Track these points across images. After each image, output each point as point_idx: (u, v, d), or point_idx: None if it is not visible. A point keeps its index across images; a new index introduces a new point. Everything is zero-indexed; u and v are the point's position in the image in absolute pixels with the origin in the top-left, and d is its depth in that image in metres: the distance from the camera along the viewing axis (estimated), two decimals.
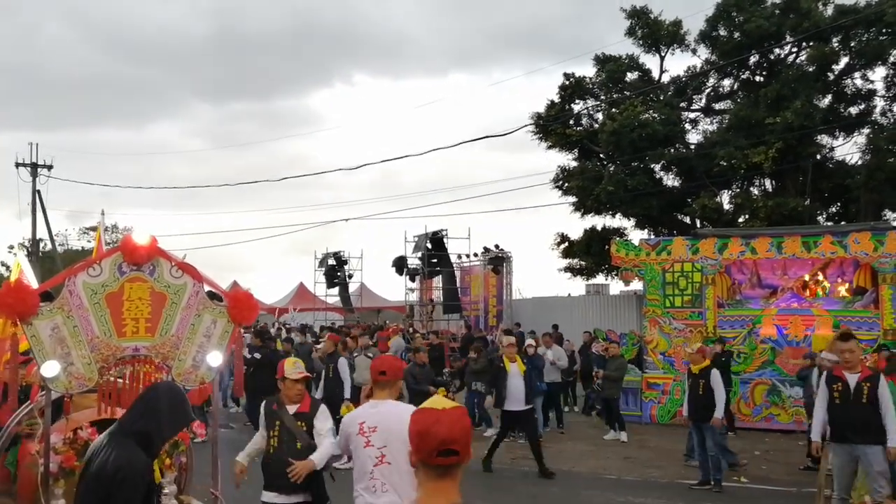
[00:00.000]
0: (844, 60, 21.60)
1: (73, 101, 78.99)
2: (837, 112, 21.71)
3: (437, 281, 26.16)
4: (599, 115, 24.13)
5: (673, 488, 9.27)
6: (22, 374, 5.15)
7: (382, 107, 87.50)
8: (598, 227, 24.44)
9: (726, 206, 21.87)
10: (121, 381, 4.36)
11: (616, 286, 27.87)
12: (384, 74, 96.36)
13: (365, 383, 11.53)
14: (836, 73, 21.68)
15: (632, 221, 24.28)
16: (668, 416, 13.57)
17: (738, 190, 22.35)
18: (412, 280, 26.64)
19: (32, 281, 5.66)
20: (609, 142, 21.56)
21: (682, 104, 23.95)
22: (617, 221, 24.41)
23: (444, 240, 24.75)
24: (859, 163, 20.96)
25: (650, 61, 26.92)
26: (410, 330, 21.47)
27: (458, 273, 25.97)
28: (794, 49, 22.06)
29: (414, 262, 25.53)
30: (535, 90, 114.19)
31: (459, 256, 25.59)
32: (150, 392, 3.52)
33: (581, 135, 23.78)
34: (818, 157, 21.40)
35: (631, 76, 24.31)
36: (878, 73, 21.64)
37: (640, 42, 23.23)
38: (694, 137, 23.83)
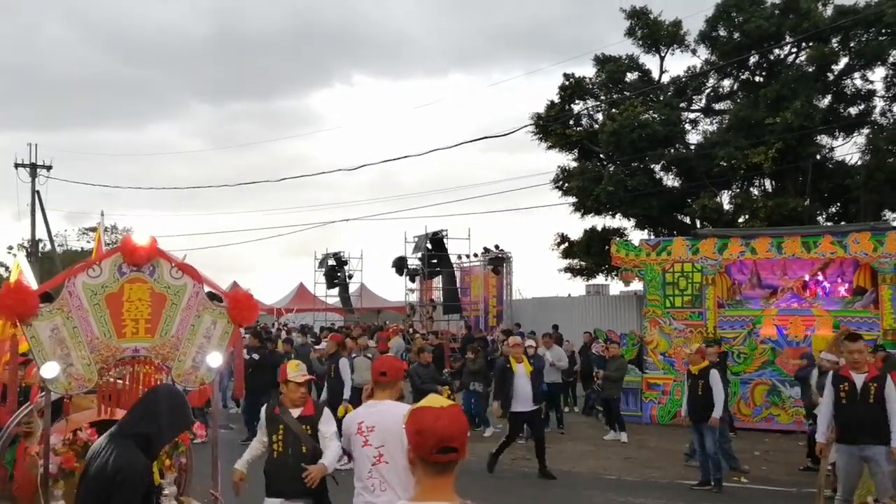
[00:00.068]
0: (844, 61, 21.62)
1: (72, 101, 79.13)
2: (837, 112, 21.72)
3: (438, 281, 26.18)
4: (599, 116, 24.15)
5: (673, 489, 9.27)
6: (21, 376, 5.15)
7: (382, 107, 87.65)
8: (598, 228, 24.45)
9: (726, 207, 21.88)
10: (120, 382, 4.35)
11: (616, 286, 27.93)
12: (384, 74, 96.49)
13: (364, 384, 11.52)
14: (836, 73, 21.70)
15: (632, 222, 24.32)
16: (668, 416, 13.57)
17: (738, 190, 22.36)
18: (412, 280, 26.67)
19: (32, 282, 5.65)
20: (609, 142, 21.57)
21: (682, 104, 23.97)
22: (617, 222, 24.46)
23: (444, 240, 24.78)
24: (859, 163, 20.97)
25: (650, 62, 26.97)
26: (410, 330, 21.48)
27: (458, 273, 25.99)
28: (794, 49, 22.08)
29: (414, 262, 25.56)
30: (535, 90, 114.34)
31: (459, 257, 25.63)
32: (151, 395, 3.53)
33: (581, 135, 23.78)
34: (818, 157, 21.41)
35: (631, 76, 24.33)
36: (878, 74, 21.70)
37: (640, 42, 23.25)
38: (694, 138, 23.90)
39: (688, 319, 14.17)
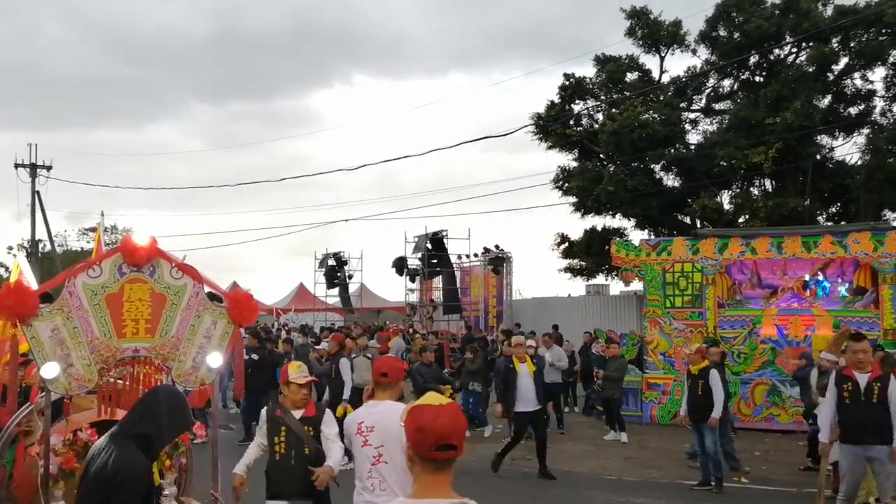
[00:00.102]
0: (844, 61, 21.63)
1: (72, 102, 79.12)
2: (837, 112, 21.73)
3: (438, 281, 26.19)
4: (599, 116, 24.15)
5: (673, 489, 9.27)
6: (21, 376, 5.15)
7: (382, 107, 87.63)
8: (599, 228, 24.46)
9: (726, 207, 21.89)
10: (121, 382, 4.35)
11: (616, 286, 27.92)
12: (384, 75, 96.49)
13: (364, 384, 11.53)
14: (836, 73, 21.70)
15: (632, 222, 24.32)
16: (668, 416, 13.56)
17: (738, 190, 22.36)
18: (412, 281, 26.67)
19: (32, 282, 5.66)
20: (609, 142, 21.57)
21: (682, 104, 23.97)
22: (617, 222, 24.47)
23: (444, 240, 24.78)
24: (859, 163, 20.98)
25: (650, 62, 26.94)
26: (410, 331, 21.48)
27: (458, 273, 25.99)
28: (794, 49, 22.08)
29: (414, 262, 25.57)
30: (535, 90, 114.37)
31: (459, 257, 25.63)
32: (151, 395, 3.54)
33: (581, 135, 23.79)
34: (818, 157, 21.42)
35: (631, 76, 24.34)
36: (878, 74, 21.72)
37: (640, 42, 23.25)
38: (694, 138, 23.91)
39: (688, 319, 14.17)
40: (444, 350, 19.02)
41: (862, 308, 13.08)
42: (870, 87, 21.96)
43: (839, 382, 6.79)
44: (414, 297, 27.19)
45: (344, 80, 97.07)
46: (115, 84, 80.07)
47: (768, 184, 22.44)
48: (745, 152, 19.89)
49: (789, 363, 12.50)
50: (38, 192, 31.86)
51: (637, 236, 23.15)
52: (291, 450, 4.69)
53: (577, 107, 24.83)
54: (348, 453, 4.62)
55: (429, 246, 24.58)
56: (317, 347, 15.07)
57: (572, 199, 23.52)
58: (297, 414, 4.83)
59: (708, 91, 24.46)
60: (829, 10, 21.33)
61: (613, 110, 22.53)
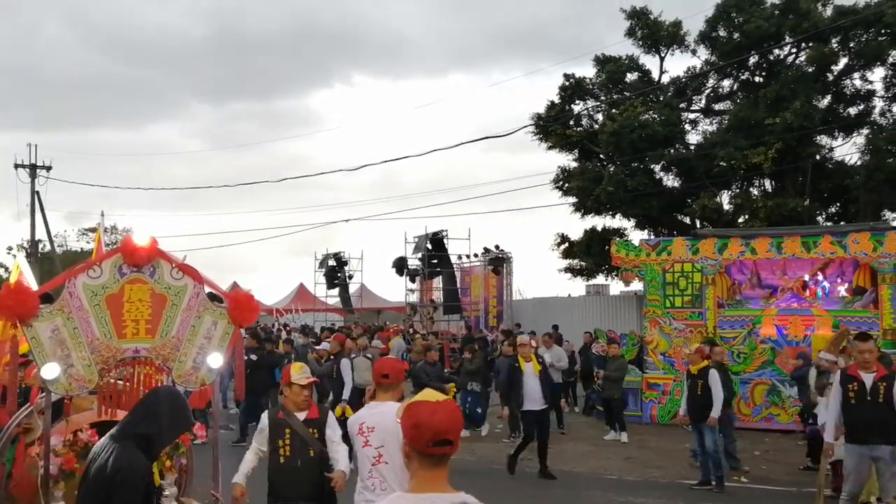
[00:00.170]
0: (844, 61, 21.63)
1: (72, 102, 79.12)
2: (837, 113, 21.73)
3: (438, 282, 26.18)
4: (599, 116, 24.16)
5: (673, 488, 9.28)
6: (21, 377, 5.15)
7: (382, 107, 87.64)
8: (599, 228, 24.46)
9: (726, 207, 21.90)
10: (121, 383, 4.35)
11: (616, 286, 27.93)
12: (384, 74, 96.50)
13: (364, 384, 11.54)
14: (836, 73, 21.70)
15: (632, 222, 24.33)
16: (668, 416, 13.57)
17: (737, 190, 22.37)
18: (412, 281, 26.66)
19: (32, 283, 5.66)
20: (609, 142, 21.58)
21: (682, 105, 23.97)
22: (617, 222, 24.48)
23: (445, 240, 24.77)
24: (858, 163, 21.00)
25: (650, 62, 26.96)
26: (411, 331, 21.48)
27: (458, 274, 25.98)
28: (794, 50, 22.09)
29: (414, 262, 25.55)
30: (535, 90, 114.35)
31: (460, 257, 25.62)
32: (151, 396, 3.55)
33: (581, 135, 23.80)
34: (817, 157, 21.43)
35: (631, 77, 24.34)
36: (878, 74, 21.71)
37: (640, 43, 23.26)
38: (694, 138, 23.91)
39: (688, 319, 14.18)
40: (445, 350, 19.02)
41: (861, 308, 13.08)
42: (869, 87, 21.99)
43: (844, 382, 6.78)
44: (414, 298, 27.19)
45: (344, 80, 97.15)
46: (115, 84, 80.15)
47: (768, 184, 22.45)
48: (744, 152, 19.89)
49: (788, 363, 12.51)
50: (37, 193, 31.84)
51: (637, 236, 23.19)
52: (296, 452, 4.64)
53: (577, 107, 24.85)
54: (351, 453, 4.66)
55: (429, 246, 24.58)
56: (317, 348, 15.07)
57: (572, 200, 23.54)
58: (301, 416, 4.77)
59: (708, 91, 24.47)
60: (829, 11, 21.34)
61: (613, 111, 22.53)
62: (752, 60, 22.40)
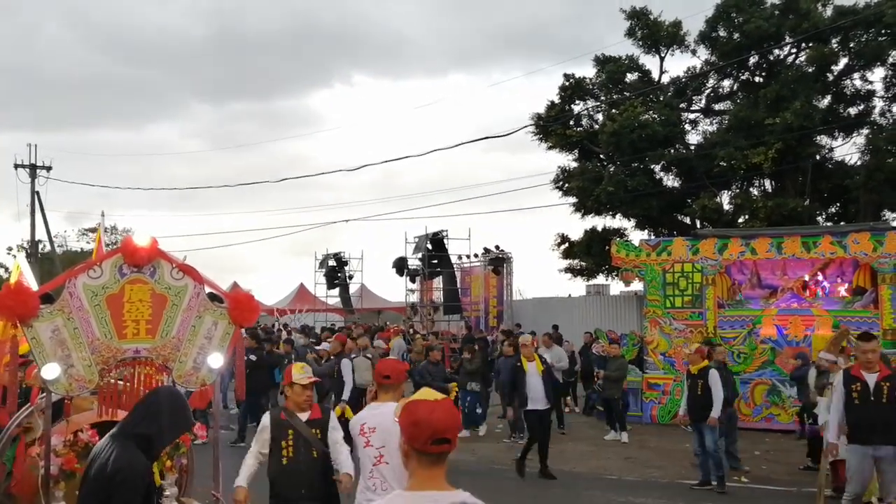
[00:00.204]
0: (844, 61, 21.64)
1: (72, 102, 79.14)
2: (837, 113, 21.74)
3: (438, 282, 26.17)
4: (599, 116, 24.17)
5: (674, 488, 9.28)
6: (21, 377, 5.15)
7: (382, 107, 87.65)
8: (599, 228, 24.48)
9: (726, 207, 21.91)
10: (121, 383, 4.35)
11: (616, 287, 27.93)
12: (384, 74, 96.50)
13: (364, 384, 11.55)
14: (836, 73, 21.71)
15: (632, 222, 24.34)
16: (668, 416, 13.57)
17: (737, 190, 22.38)
18: (412, 281, 26.66)
19: (32, 283, 5.66)
20: (609, 142, 21.58)
21: (682, 105, 23.98)
22: (617, 222, 24.49)
23: (445, 241, 24.77)
24: (858, 163, 21.00)
25: (650, 62, 27.00)
26: (411, 331, 21.48)
27: (458, 274, 25.98)
28: (794, 50, 22.10)
29: (414, 263, 25.55)
30: (535, 90, 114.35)
31: (460, 257, 25.62)
32: (152, 396, 3.55)
33: (581, 135, 23.80)
34: (817, 157, 21.44)
35: (631, 77, 24.34)
36: (878, 74, 21.73)
37: (640, 43, 23.26)
38: (694, 138, 23.92)
39: (688, 319, 14.19)
40: (445, 350, 19.00)
41: (861, 308, 13.09)
42: (869, 87, 22.00)
43: (847, 382, 6.77)
44: (414, 298, 27.20)
45: (344, 80, 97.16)
46: (115, 84, 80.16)
47: (768, 184, 22.46)
48: (744, 153, 19.90)
49: (788, 363, 12.52)
50: (37, 193, 31.82)
51: (637, 236, 23.20)
52: (300, 453, 4.62)
53: (578, 107, 24.86)
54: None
55: (429, 246, 24.57)
56: (317, 348, 15.08)
57: (572, 200, 23.55)
58: (303, 416, 4.75)
59: (708, 91, 24.48)
60: (829, 11, 21.35)
61: (613, 111, 22.54)
62: (752, 60, 22.41)
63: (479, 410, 13.26)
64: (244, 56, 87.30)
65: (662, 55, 23.60)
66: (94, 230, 36.89)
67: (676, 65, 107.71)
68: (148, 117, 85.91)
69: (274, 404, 13.05)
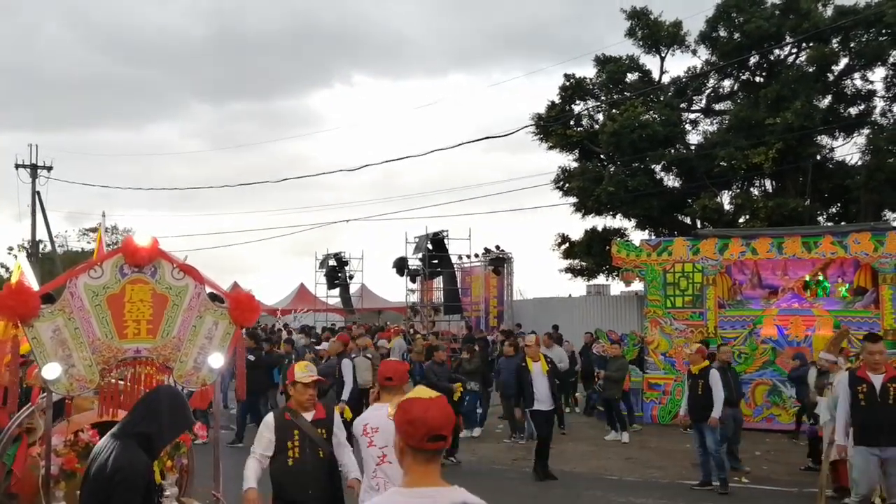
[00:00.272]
0: (844, 61, 21.64)
1: (72, 102, 79.13)
2: (837, 113, 21.73)
3: (438, 282, 26.17)
4: (600, 116, 24.16)
5: (674, 488, 9.28)
6: (22, 377, 5.15)
7: (382, 107, 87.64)
8: (599, 228, 24.48)
9: (727, 207, 21.90)
10: (122, 383, 4.36)
11: (617, 287, 27.96)
12: (384, 74, 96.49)
13: (364, 384, 11.55)
14: (836, 73, 21.71)
15: (632, 222, 24.33)
16: (669, 416, 13.57)
17: (738, 190, 22.37)
18: (413, 281, 26.66)
19: (33, 283, 5.66)
20: (609, 142, 21.58)
21: (683, 105, 23.97)
22: (618, 222, 24.49)
23: (445, 241, 24.77)
24: (859, 163, 21.00)
25: (650, 62, 26.97)
26: (411, 331, 21.48)
27: (458, 274, 25.98)
28: (794, 50, 22.09)
29: (415, 263, 25.55)
30: (536, 91, 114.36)
31: (460, 257, 25.62)
32: (152, 395, 3.56)
33: (581, 135, 23.80)
34: (818, 157, 21.44)
35: (631, 77, 24.34)
36: (878, 74, 21.73)
37: (641, 43, 23.26)
38: (694, 138, 23.92)
39: (689, 319, 14.19)
40: (446, 350, 18.98)
41: (862, 308, 13.09)
42: (870, 87, 22.01)
43: (853, 384, 6.76)
44: (414, 298, 27.20)
45: (344, 80, 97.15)
46: (115, 84, 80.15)
47: (768, 184, 22.46)
48: (745, 153, 19.90)
49: (790, 363, 12.52)
50: (38, 193, 31.85)
51: (637, 237, 23.19)
52: (306, 454, 4.58)
53: (578, 107, 24.85)
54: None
55: (429, 246, 24.57)
56: (317, 348, 15.06)
57: (573, 200, 23.55)
58: (308, 416, 4.71)
59: (708, 91, 24.47)
60: (829, 11, 21.35)
61: (614, 111, 22.54)
62: (753, 60, 22.40)
63: (479, 410, 13.27)
64: (244, 56, 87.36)
65: (663, 55, 23.60)
66: (94, 230, 36.88)
67: (677, 65, 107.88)
68: (148, 117, 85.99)
69: (273, 405, 13.05)
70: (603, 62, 24.03)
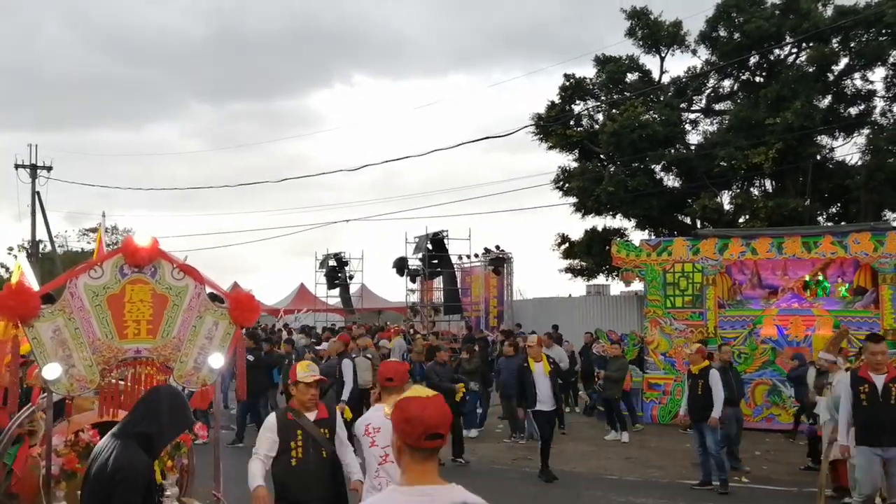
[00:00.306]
0: (844, 61, 21.63)
1: (72, 102, 79.13)
2: (837, 112, 21.73)
3: (438, 282, 26.19)
4: (600, 116, 24.15)
5: (674, 488, 9.28)
6: (22, 377, 5.15)
7: (382, 107, 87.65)
8: (599, 228, 24.47)
9: (727, 207, 21.90)
10: (122, 383, 4.36)
11: (617, 287, 27.94)
12: (384, 75, 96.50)
13: (364, 384, 11.55)
14: (836, 73, 21.70)
15: (632, 222, 24.33)
16: (669, 416, 13.58)
17: (738, 190, 22.37)
18: (413, 281, 26.67)
19: (33, 283, 5.66)
20: (609, 142, 21.58)
21: (683, 105, 23.97)
22: (617, 222, 24.48)
23: (445, 241, 24.79)
24: (859, 163, 20.99)
25: (650, 62, 27.01)
26: (411, 331, 21.49)
27: (458, 274, 25.99)
28: (794, 50, 22.09)
29: (415, 263, 25.56)
30: (536, 91, 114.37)
31: (460, 257, 25.63)
32: (152, 394, 3.56)
33: (581, 135, 23.80)
34: (818, 157, 21.43)
35: (631, 77, 24.34)
36: (878, 74, 21.72)
37: (641, 43, 23.26)
38: (694, 138, 23.91)
39: (688, 319, 14.19)
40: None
41: (862, 308, 13.09)
42: (870, 87, 21.99)
43: (855, 384, 6.77)
44: (414, 298, 27.20)
45: (344, 80, 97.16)
46: (115, 84, 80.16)
47: (768, 184, 22.45)
48: (745, 153, 19.90)
49: (788, 363, 12.53)
50: (38, 193, 31.85)
51: (637, 237, 23.19)
52: (309, 454, 4.57)
53: (578, 107, 24.85)
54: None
55: (429, 246, 24.59)
56: (317, 348, 15.06)
57: (573, 200, 23.54)
58: (311, 416, 4.70)
59: (708, 91, 24.47)
60: (829, 11, 21.34)
61: (614, 111, 22.53)
62: (753, 60, 22.40)
63: (479, 410, 13.27)
64: (244, 56, 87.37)
65: (663, 55, 23.60)
66: (94, 230, 36.89)
67: (677, 65, 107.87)
68: (148, 117, 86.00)
69: (273, 405, 13.05)
70: (603, 62, 24.03)
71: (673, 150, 22.30)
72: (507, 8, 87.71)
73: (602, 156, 23.72)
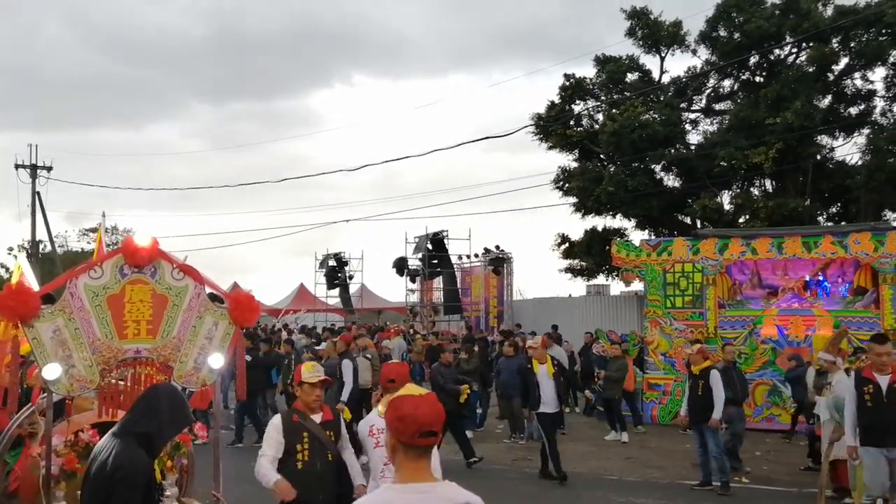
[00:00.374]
0: (844, 61, 21.62)
1: (72, 102, 79.13)
2: (837, 112, 21.72)
3: (438, 282, 26.19)
4: (600, 116, 24.15)
5: (674, 489, 9.28)
6: (22, 377, 5.15)
7: (382, 107, 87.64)
8: (599, 228, 24.46)
9: (727, 207, 21.89)
10: (122, 383, 4.36)
11: (617, 287, 27.92)
12: (384, 74, 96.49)
13: (364, 384, 11.55)
14: (836, 73, 21.70)
15: (632, 222, 24.32)
16: (669, 416, 13.58)
17: (738, 190, 22.36)
18: (413, 281, 26.68)
19: (33, 283, 5.65)
20: (609, 142, 21.58)
21: (683, 105, 23.97)
22: (617, 222, 24.47)
23: (445, 241, 24.80)
24: (859, 163, 20.98)
25: (650, 62, 26.96)
26: (411, 331, 21.50)
27: (458, 274, 26.00)
28: (794, 50, 22.08)
29: (415, 263, 25.57)
30: (536, 91, 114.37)
31: (460, 257, 25.65)
32: (151, 393, 3.56)
33: (581, 135, 23.79)
34: (818, 157, 21.42)
35: (631, 77, 24.33)
36: (878, 74, 21.71)
37: (641, 43, 23.25)
38: (694, 138, 23.90)
39: (689, 320, 14.19)
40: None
41: (862, 308, 13.09)
42: (870, 87, 21.98)
43: (859, 384, 6.77)
44: (414, 298, 27.20)
45: (344, 80, 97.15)
46: (115, 84, 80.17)
47: (768, 184, 22.45)
48: (745, 152, 19.89)
49: (786, 364, 12.53)
50: (38, 193, 31.85)
51: (637, 237, 23.18)
52: (316, 457, 4.55)
53: (578, 107, 24.84)
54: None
55: (429, 246, 24.60)
56: (316, 348, 15.06)
57: (573, 200, 23.54)
58: (316, 418, 4.68)
59: (708, 91, 24.46)
60: (829, 11, 21.33)
61: (614, 111, 22.53)
62: (753, 60, 22.39)
63: (478, 410, 13.27)
64: (244, 56, 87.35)
65: (663, 55, 23.59)
66: (94, 230, 36.89)
67: (677, 65, 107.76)
68: (148, 117, 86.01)
69: (271, 405, 13.05)
70: (603, 62, 24.02)
71: (673, 150, 22.29)
72: (507, 8, 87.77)
73: (602, 156, 23.72)
